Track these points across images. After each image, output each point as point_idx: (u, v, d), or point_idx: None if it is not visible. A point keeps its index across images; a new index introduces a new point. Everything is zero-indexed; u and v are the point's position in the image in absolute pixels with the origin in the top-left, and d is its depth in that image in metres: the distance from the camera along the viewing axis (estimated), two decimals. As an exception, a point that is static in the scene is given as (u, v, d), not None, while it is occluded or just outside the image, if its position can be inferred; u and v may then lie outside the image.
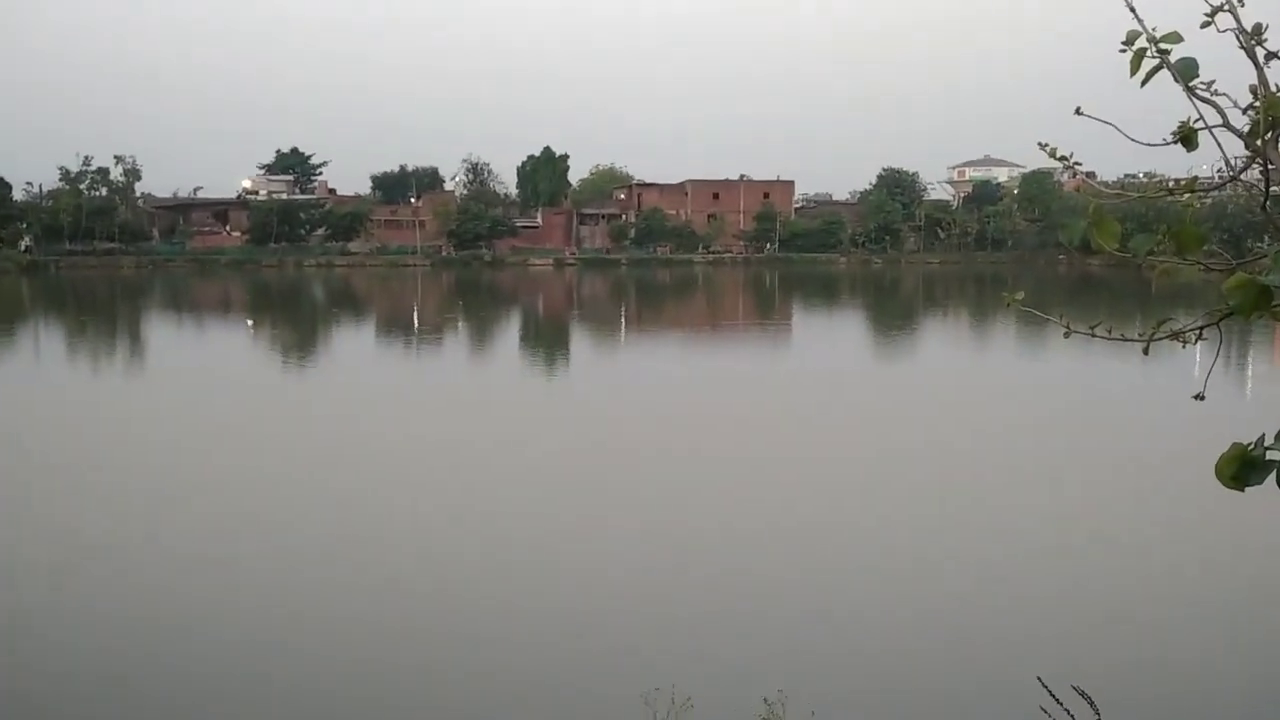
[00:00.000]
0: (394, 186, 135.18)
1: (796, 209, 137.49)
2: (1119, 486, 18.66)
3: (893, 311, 63.74)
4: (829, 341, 46.16)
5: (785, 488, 18.46)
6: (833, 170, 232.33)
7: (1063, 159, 2.19)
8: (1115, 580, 13.84)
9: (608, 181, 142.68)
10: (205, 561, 14.45)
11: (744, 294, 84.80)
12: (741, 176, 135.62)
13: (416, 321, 58.32)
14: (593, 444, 22.55)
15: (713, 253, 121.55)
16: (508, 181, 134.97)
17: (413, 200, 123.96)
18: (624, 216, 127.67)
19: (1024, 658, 11.16)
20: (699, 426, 24.29)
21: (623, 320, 59.22)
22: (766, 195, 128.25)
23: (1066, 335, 2.41)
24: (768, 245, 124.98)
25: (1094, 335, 2.36)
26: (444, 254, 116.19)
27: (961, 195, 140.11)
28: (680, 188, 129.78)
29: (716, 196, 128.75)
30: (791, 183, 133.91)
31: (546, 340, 48.54)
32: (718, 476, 19.23)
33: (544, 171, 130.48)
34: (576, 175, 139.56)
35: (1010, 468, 20.05)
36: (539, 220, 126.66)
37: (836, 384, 31.39)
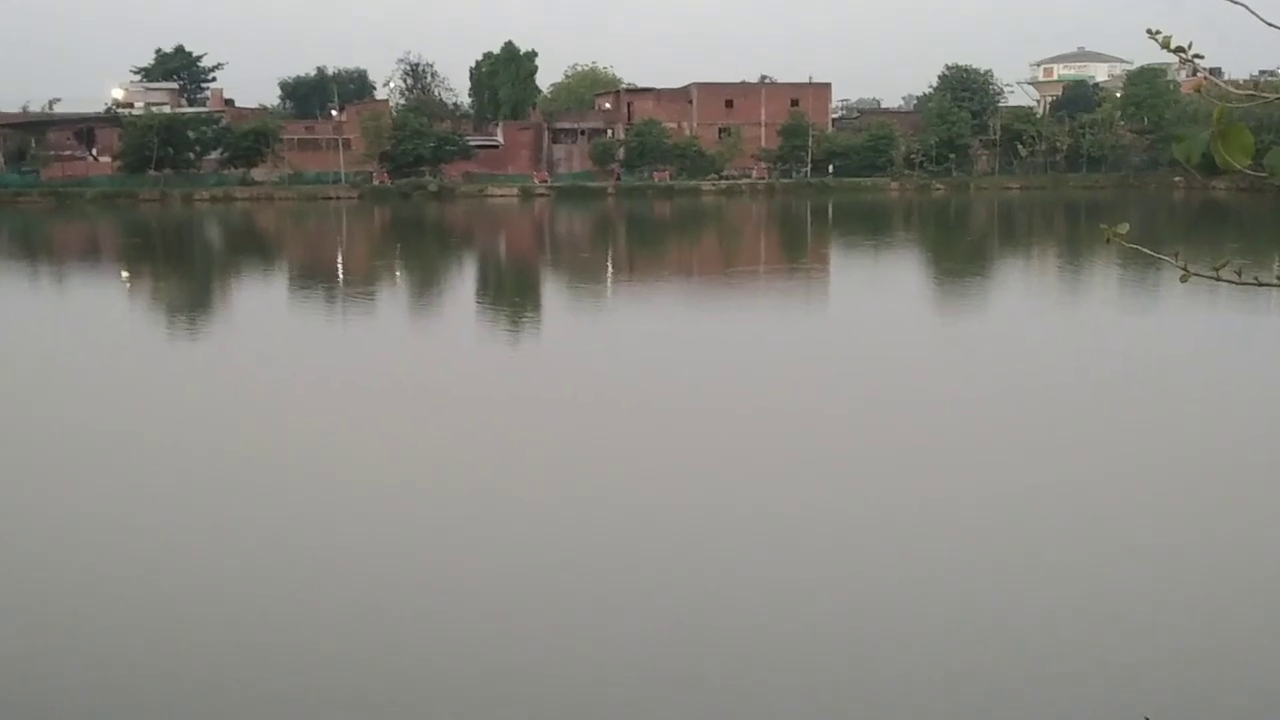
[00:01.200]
0: (309, 96, 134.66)
1: (834, 120, 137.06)
2: (1254, 495, 18.78)
3: (960, 252, 63.75)
4: (878, 294, 46.15)
5: (833, 505, 18.58)
6: (880, 70, 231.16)
7: (1179, 50, 2.18)
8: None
9: (588, 87, 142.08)
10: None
11: (767, 231, 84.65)
12: (763, 79, 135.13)
13: (341, 272, 58.14)
14: (579, 435, 22.61)
15: (726, 178, 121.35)
16: (458, 88, 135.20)
17: (334, 114, 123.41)
18: (610, 132, 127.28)
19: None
20: (717, 413, 24.32)
21: (609, 267, 59.11)
22: (795, 102, 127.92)
23: (1184, 279, 2.42)
24: (797, 168, 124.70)
25: (1219, 279, 2.36)
26: (376, 182, 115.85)
27: (1048, 100, 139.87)
28: (683, 94, 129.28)
29: (730, 105, 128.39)
30: (827, 86, 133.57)
31: (512, 295, 48.49)
32: (745, 486, 19.30)
33: (505, 74, 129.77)
34: (548, 79, 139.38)
35: (1115, 487, 20.16)
36: (500, 138, 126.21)
37: (890, 352, 31.43)
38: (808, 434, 21.78)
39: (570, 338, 35.28)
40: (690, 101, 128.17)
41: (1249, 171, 2.12)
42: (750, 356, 29.86)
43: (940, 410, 23.32)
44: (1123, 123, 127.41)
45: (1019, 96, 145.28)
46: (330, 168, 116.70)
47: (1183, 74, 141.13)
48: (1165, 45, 2.29)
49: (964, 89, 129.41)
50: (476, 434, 22.04)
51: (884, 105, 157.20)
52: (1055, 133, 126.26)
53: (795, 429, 22.13)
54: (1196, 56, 2.29)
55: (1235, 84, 2.38)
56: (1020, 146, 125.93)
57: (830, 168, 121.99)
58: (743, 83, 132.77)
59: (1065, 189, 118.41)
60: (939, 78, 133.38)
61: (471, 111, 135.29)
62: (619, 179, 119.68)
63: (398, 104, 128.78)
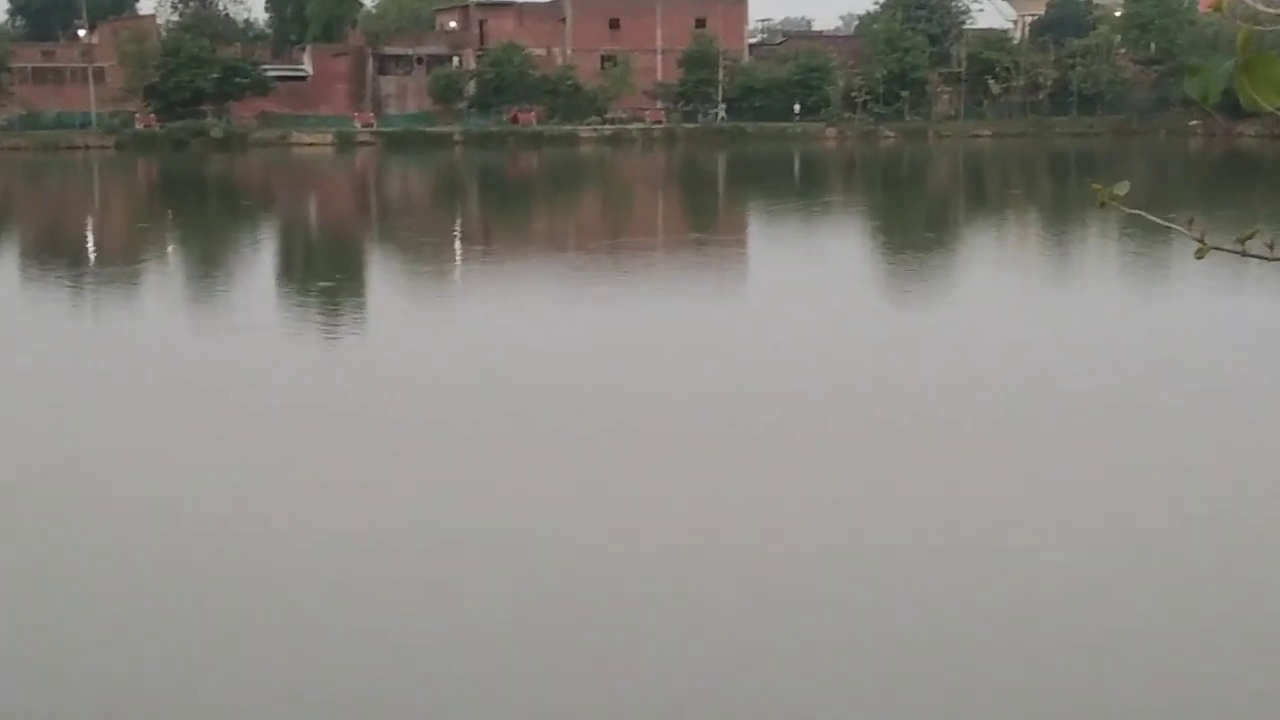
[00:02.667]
0: (48, 12, 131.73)
1: (752, 47, 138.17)
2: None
3: (913, 219, 64.59)
4: (810, 275, 46.59)
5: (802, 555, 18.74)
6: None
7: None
8: None
9: (426, 1, 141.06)
10: None
11: (665, 192, 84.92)
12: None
13: (91, 249, 57.02)
14: (437, 468, 22.52)
15: (612, 121, 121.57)
16: (251, 0, 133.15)
17: (82, 35, 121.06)
18: (457, 60, 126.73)
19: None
20: (616, 437, 24.39)
21: (457, 239, 58.82)
22: (701, 23, 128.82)
23: (1200, 254, 2.44)
24: (705, 109, 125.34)
25: (1246, 254, 2.39)
26: (140, 127, 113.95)
27: (1027, 22, 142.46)
28: (554, 10, 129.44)
29: (616, 25, 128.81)
30: (743, 1, 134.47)
31: (328, 280, 48.00)
32: (676, 530, 19.38)
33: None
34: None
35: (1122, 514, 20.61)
36: (307, 66, 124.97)
37: (836, 353, 31.74)
38: (741, 462, 21.86)
39: (408, 336, 35.01)
40: (563, 20, 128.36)
41: (1282, 114, 2.14)
42: (648, 360, 29.91)
43: (907, 435, 23.58)
44: (1123, 50, 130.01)
45: (990, 16, 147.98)
46: (77, 107, 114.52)
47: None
48: (1175, -52, 2.30)
49: (919, 7, 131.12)
50: (309, 473, 21.78)
51: (816, 27, 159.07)
52: (1037, 64, 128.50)
53: (722, 456, 22.20)
54: (1215, -37, 2.31)
55: (1267, 0, 2.40)
56: (992, 82, 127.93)
57: (796, 107, 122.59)
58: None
59: (1050, 136, 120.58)
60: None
61: (269, 31, 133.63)
62: (515, 119, 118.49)
63: (169, 22, 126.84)
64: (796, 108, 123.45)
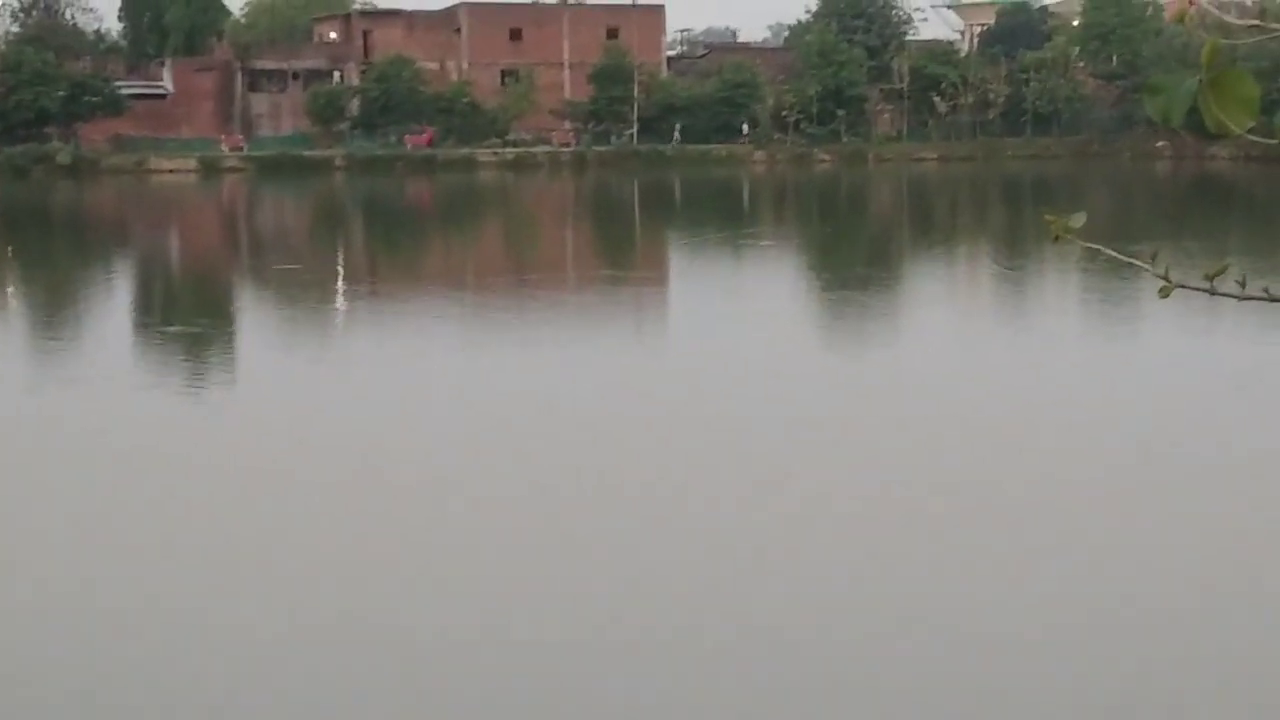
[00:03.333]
0: None
1: (670, 60, 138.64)
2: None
3: (850, 254, 64.88)
4: (735, 318, 46.69)
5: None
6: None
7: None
8: None
9: (303, 7, 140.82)
10: None
11: (573, 224, 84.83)
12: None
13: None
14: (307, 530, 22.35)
15: (514, 144, 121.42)
16: (101, 7, 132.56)
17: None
18: (339, 75, 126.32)
19: None
20: (500, 488, 24.31)
21: (340, 278, 58.49)
22: (613, 33, 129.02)
23: (1165, 293, 2.45)
24: (619, 129, 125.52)
25: (1214, 293, 2.41)
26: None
27: (976, 33, 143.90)
28: (447, 19, 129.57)
29: (518, 36, 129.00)
30: (660, 10, 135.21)
31: (189, 322, 47.59)
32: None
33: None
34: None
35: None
36: (167, 83, 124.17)
37: (755, 399, 31.81)
38: (654, 531, 21.83)
39: (282, 388, 34.76)
40: (458, 30, 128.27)
41: (1252, 136, 2.14)
42: (556, 413, 29.84)
43: (846, 496, 23.65)
44: (1082, 64, 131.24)
45: (935, 26, 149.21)
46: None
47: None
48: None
49: (856, 16, 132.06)
50: (161, 539, 21.53)
51: (741, 39, 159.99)
52: (987, 79, 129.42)
53: (637, 524, 22.17)
54: (1179, -30, 2.31)
55: (1240, 3, 2.40)
56: (938, 99, 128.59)
57: (744, 128, 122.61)
58: (535, 3, 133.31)
59: (1002, 159, 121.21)
60: (820, 0, 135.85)
61: (124, 44, 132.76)
62: (431, 140, 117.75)
63: (8, 33, 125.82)
64: (745, 128, 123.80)
